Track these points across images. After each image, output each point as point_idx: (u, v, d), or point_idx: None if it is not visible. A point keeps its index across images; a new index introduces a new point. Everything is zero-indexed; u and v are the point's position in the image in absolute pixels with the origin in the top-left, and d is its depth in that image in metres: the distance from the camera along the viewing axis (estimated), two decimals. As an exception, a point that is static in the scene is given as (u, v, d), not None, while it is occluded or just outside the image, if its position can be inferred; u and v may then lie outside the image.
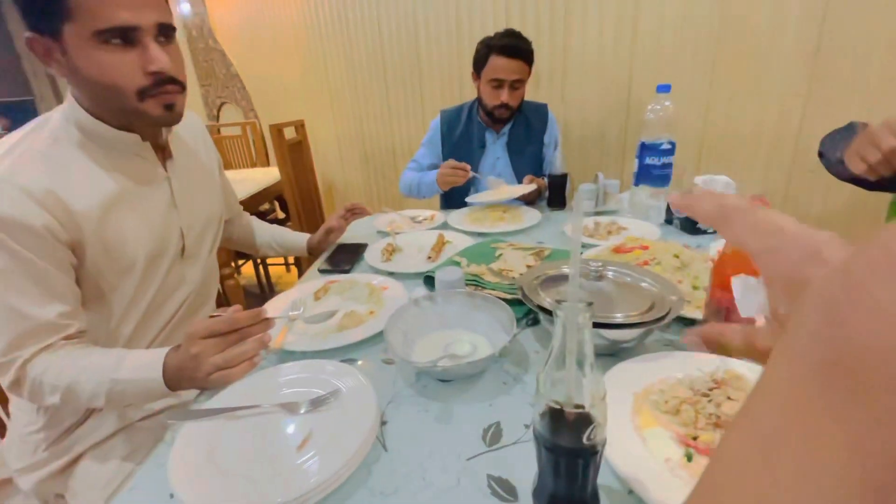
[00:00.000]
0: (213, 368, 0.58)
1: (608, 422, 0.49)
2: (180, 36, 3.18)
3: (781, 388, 0.12)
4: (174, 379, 0.61)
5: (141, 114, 0.67)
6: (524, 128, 1.53)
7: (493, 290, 0.79)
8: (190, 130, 0.88)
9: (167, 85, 0.67)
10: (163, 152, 0.78)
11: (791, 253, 0.20)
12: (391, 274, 0.94)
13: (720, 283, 0.59)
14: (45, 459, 0.73)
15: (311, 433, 0.51)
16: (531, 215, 1.25)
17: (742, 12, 1.52)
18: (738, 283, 0.27)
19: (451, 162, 1.37)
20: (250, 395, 0.57)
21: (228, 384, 0.59)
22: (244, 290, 2.32)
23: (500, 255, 0.94)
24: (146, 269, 0.74)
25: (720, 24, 1.56)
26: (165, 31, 0.66)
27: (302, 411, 0.54)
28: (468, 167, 1.35)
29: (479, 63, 1.43)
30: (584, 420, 0.35)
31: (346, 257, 1.05)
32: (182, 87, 0.70)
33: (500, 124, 1.51)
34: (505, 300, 0.70)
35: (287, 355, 0.68)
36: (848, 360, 0.10)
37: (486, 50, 1.39)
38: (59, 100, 6.93)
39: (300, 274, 2.62)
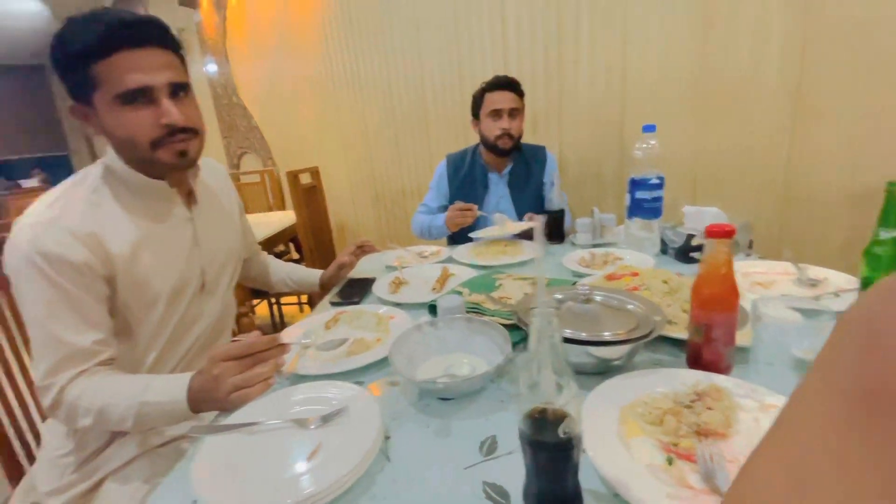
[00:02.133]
0: (233, 388, 0.64)
1: (595, 431, 0.53)
2: (206, 94, 3.45)
3: (814, 417, 0.11)
4: (196, 400, 0.67)
5: (156, 161, 0.77)
6: (524, 168, 1.63)
7: (493, 316, 0.84)
8: (214, 177, 0.98)
9: (178, 134, 0.77)
10: (188, 197, 0.88)
11: None
12: (398, 305, 1.00)
13: (699, 302, 0.63)
14: (73, 482, 0.77)
15: (321, 445, 0.55)
16: (531, 249, 1.32)
17: (723, 54, 1.63)
18: None
19: (459, 204, 1.46)
20: (265, 412, 0.62)
21: (245, 403, 0.64)
22: (259, 328, 2.39)
23: (500, 284, 0.99)
24: (169, 302, 0.82)
25: (702, 65, 1.67)
26: (178, 89, 0.77)
27: (312, 426, 0.59)
28: (475, 207, 1.44)
29: (476, 105, 1.58)
30: (560, 416, 0.39)
31: (356, 290, 1.11)
32: (195, 133, 0.80)
33: (504, 159, 1.61)
34: (503, 325, 0.75)
35: (299, 379, 0.73)
36: (888, 394, 0.10)
37: (481, 92, 1.56)
38: (94, 155, 7.41)
39: (313, 313, 2.69)
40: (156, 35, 0.74)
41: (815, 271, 0.93)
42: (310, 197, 2.26)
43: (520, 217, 1.55)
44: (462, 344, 0.75)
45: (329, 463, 0.52)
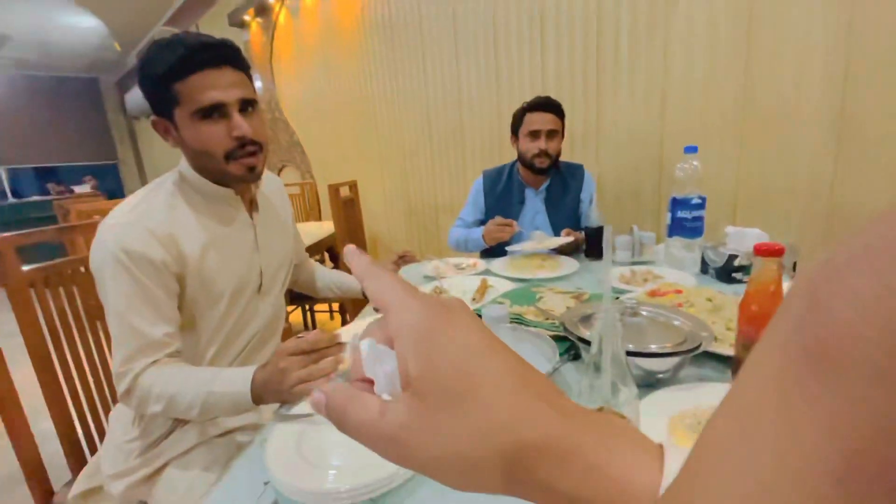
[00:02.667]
0: (297, 381, 0.68)
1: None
2: (252, 109, 3.62)
3: (762, 371, 0.12)
4: (260, 392, 0.72)
5: (228, 173, 0.84)
6: (561, 185, 1.66)
7: (536, 328, 0.86)
8: (272, 188, 1.06)
9: (248, 146, 0.84)
10: (251, 204, 0.95)
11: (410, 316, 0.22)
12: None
13: (746, 318, 0.64)
14: (136, 466, 0.83)
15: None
16: (570, 264, 1.33)
17: (766, 76, 1.63)
18: (367, 348, 0.23)
19: (498, 219, 1.50)
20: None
21: (307, 397, 0.69)
22: (307, 332, 2.46)
23: (541, 297, 1.02)
24: (230, 300, 0.88)
25: (745, 88, 1.67)
26: (247, 104, 0.84)
27: (370, 421, 0.62)
28: (514, 223, 1.47)
29: (516, 123, 1.63)
30: (618, 417, 0.42)
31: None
32: (261, 147, 0.87)
33: (541, 177, 1.64)
34: (552, 336, 0.77)
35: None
36: (825, 347, 0.10)
37: (521, 111, 1.61)
38: (140, 164, 7.84)
39: (343, 321, 2.75)
40: (230, 56, 0.82)
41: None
42: (347, 209, 2.34)
43: (556, 233, 1.57)
44: (508, 351, 0.78)
45: None
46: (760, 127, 1.67)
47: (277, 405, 0.72)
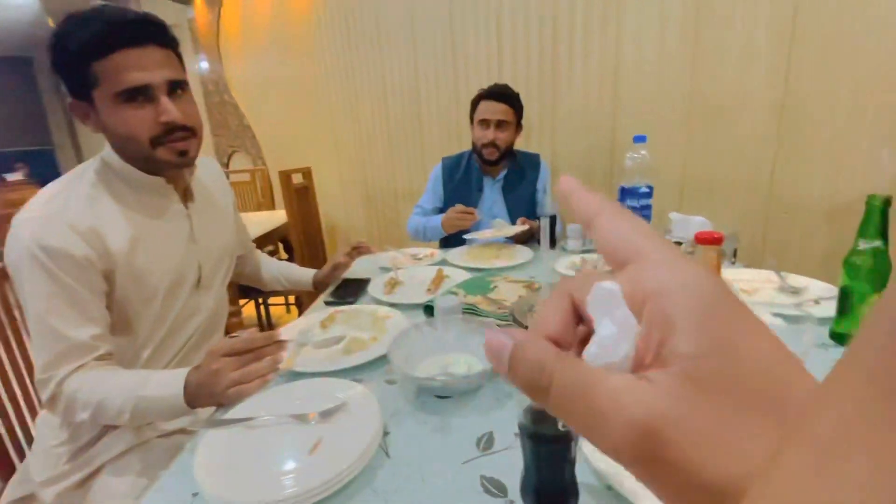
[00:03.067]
0: (231, 383, 0.64)
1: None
2: (197, 91, 3.42)
3: (844, 399, 0.11)
4: (194, 395, 0.67)
5: (155, 159, 0.77)
6: (518, 174, 1.66)
7: (488, 317, 0.86)
8: (209, 174, 0.99)
9: (178, 132, 0.77)
10: (184, 193, 0.88)
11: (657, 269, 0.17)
12: (393, 305, 1.01)
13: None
14: (67, 472, 0.76)
15: (321, 440, 0.56)
16: (524, 253, 1.34)
17: (712, 67, 1.68)
18: (604, 293, 0.17)
19: (459, 207, 1.48)
20: (265, 408, 0.63)
21: (243, 399, 0.65)
22: (246, 328, 2.37)
23: (495, 287, 1.01)
24: (166, 297, 0.82)
25: (692, 80, 1.72)
26: (176, 86, 0.77)
27: (312, 422, 0.59)
28: (475, 211, 1.46)
29: (472, 110, 1.61)
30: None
31: (351, 290, 1.12)
32: (193, 132, 0.80)
33: (493, 167, 1.64)
34: (499, 325, 0.76)
35: (296, 376, 0.74)
36: None
37: (477, 98, 1.58)
38: (77, 149, 7.25)
39: (300, 314, 2.67)
40: (155, 33, 0.75)
41: (796, 280, 0.97)
42: (301, 197, 2.25)
43: (513, 222, 1.58)
44: (459, 344, 0.76)
45: (330, 457, 0.53)
46: (707, 118, 1.73)
47: (214, 409, 0.68)
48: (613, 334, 0.16)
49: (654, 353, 0.15)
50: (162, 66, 0.75)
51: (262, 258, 1.22)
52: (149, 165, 0.80)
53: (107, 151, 0.80)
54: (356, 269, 1.30)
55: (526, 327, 0.70)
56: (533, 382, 0.17)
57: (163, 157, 0.77)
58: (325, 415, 0.60)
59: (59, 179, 0.78)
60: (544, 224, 1.35)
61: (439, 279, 1.14)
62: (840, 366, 0.12)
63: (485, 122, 1.54)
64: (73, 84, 0.73)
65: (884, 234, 0.67)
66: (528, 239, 1.51)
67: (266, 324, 2.75)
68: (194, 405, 0.68)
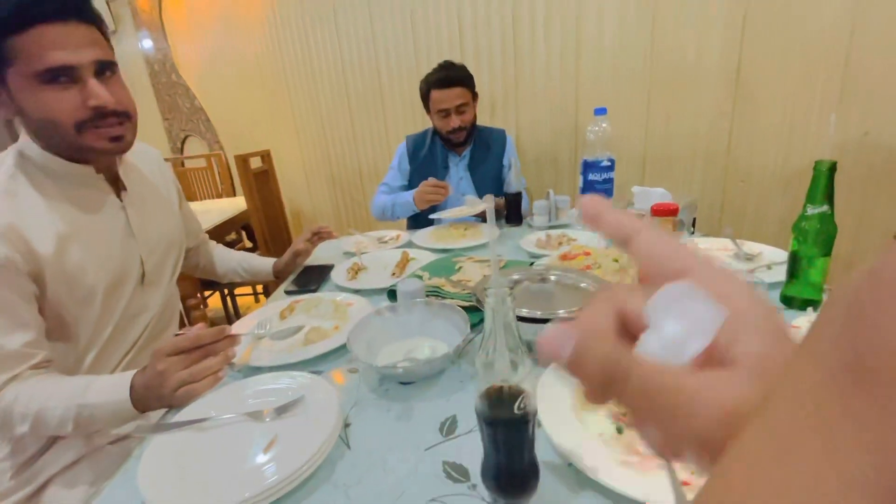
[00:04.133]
0: (179, 383, 0.61)
1: (550, 405, 0.54)
2: (142, 71, 3.19)
3: (800, 389, 0.11)
4: (142, 399, 0.63)
5: (83, 146, 0.71)
6: (484, 150, 1.63)
7: (452, 299, 0.84)
8: (146, 161, 0.92)
9: (109, 118, 0.71)
10: (115, 183, 0.82)
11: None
12: (357, 291, 0.98)
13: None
14: (12, 489, 0.72)
15: (277, 437, 0.54)
16: (491, 231, 1.32)
17: (670, 43, 1.68)
18: (669, 293, 0.18)
19: (432, 180, 1.44)
20: (217, 407, 0.60)
21: (194, 399, 0.61)
22: (211, 321, 2.29)
23: (460, 267, 1.00)
24: (107, 296, 0.77)
25: (652, 53, 1.72)
26: (105, 68, 0.71)
27: (267, 419, 0.57)
28: (448, 185, 1.42)
29: (424, 100, 1.56)
30: (516, 392, 0.40)
31: (313, 278, 1.08)
32: (128, 116, 0.75)
33: (461, 147, 1.61)
34: (463, 308, 0.75)
35: (254, 371, 0.71)
36: (870, 363, 0.10)
37: (426, 87, 1.52)
38: (15, 140, 6.73)
39: (270, 302, 2.61)
40: (77, 7, 0.67)
41: (750, 246, 0.99)
42: (261, 182, 2.16)
43: (481, 198, 1.56)
44: (422, 328, 0.75)
45: (286, 454, 0.51)
46: (666, 88, 1.74)
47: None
48: (679, 332, 0.17)
49: (720, 353, 0.17)
50: (88, 45, 0.68)
51: (218, 249, 1.16)
52: (74, 153, 0.73)
53: (23, 140, 0.72)
54: (319, 255, 1.26)
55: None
56: (607, 376, 0.18)
57: (92, 143, 0.71)
58: (281, 410, 0.58)
59: None
60: (489, 206, 1.34)
61: (404, 262, 1.12)
62: (797, 356, 0.12)
63: (444, 112, 1.50)
64: None
65: (830, 199, 0.69)
66: (500, 216, 1.48)
67: (234, 315, 2.67)
68: (145, 409, 0.64)
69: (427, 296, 0.85)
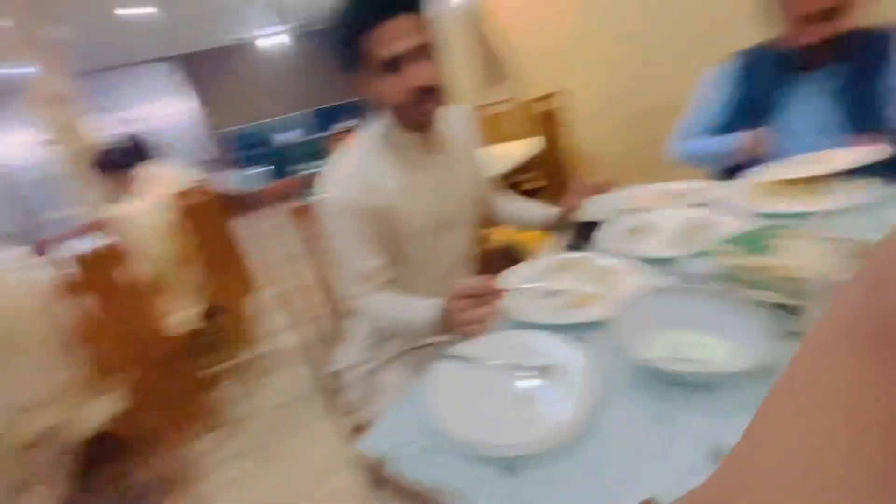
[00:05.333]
0: (458, 323, 0.74)
1: None
2: (458, 22, 3.61)
3: (825, 356, 0.12)
4: (444, 322, 0.79)
5: (413, 121, 0.90)
6: (857, 64, 1.09)
7: (759, 290, 0.64)
8: (457, 123, 1.07)
9: (427, 95, 0.86)
10: (436, 147, 1.00)
11: None
12: (631, 258, 0.88)
13: None
14: (366, 359, 1.06)
15: (535, 395, 0.58)
16: (852, 190, 0.89)
17: None
18: None
19: (764, 130, 1.13)
20: (487, 350, 0.68)
21: (470, 338, 0.72)
22: (496, 254, 2.59)
23: (782, 244, 0.74)
24: (428, 236, 0.99)
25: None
26: (424, 52, 0.84)
27: (529, 375, 0.61)
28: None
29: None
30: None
31: (582, 236, 1.04)
32: (439, 91, 0.88)
33: (819, 65, 1.13)
34: (777, 305, 0.57)
35: (518, 325, 0.76)
36: (890, 331, 0.10)
37: None
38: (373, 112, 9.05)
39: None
40: (405, 3, 0.82)
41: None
42: (555, 123, 2.19)
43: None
44: (705, 321, 0.61)
45: (540, 415, 0.55)
46: None
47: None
48: None
49: None
50: (411, 32, 0.82)
51: (501, 198, 1.26)
52: (407, 126, 0.94)
53: (378, 117, 0.97)
54: (594, 211, 1.19)
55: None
56: None
57: (417, 118, 0.90)
58: (544, 371, 0.61)
59: (353, 146, 0.99)
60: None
61: (699, 228, 0.92)
62: (823, 321, 0.13)
63: (805, 17, 1.04)
64: (346, 64, 0.89)
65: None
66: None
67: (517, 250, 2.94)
68: (437, 333, 0.81)
69: (720, 281, 0.68)
